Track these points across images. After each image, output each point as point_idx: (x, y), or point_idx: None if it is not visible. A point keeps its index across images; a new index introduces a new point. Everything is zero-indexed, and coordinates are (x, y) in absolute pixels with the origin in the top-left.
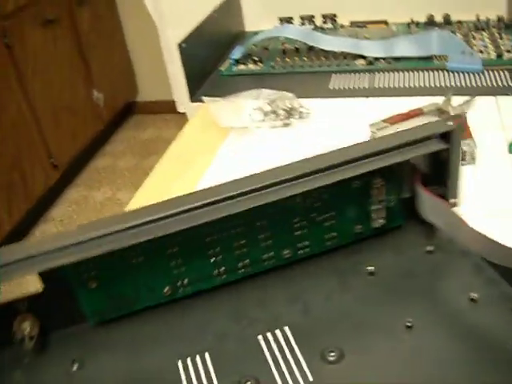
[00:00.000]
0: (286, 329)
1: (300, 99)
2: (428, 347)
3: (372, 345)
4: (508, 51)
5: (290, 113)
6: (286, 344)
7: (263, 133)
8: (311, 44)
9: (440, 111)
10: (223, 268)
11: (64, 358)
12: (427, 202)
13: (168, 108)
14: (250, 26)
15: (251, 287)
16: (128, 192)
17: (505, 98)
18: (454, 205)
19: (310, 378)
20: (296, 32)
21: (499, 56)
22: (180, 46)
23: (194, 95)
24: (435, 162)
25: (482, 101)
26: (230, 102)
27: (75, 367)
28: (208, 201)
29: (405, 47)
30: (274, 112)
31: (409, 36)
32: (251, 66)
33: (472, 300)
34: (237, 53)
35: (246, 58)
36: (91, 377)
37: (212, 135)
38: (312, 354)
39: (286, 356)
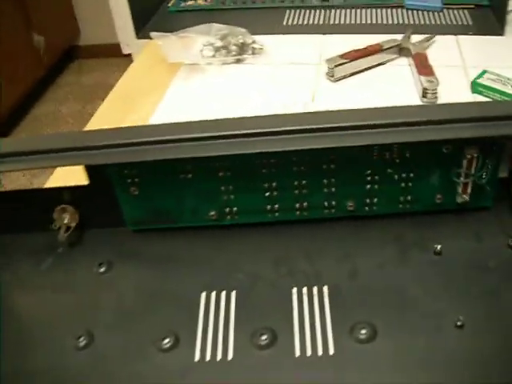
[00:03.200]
0: (325, 289)
1: (253, 35)
2: (476, 353)
3: (411, 334)
4: None
5: (242, 49)
6: (319, 306)
7: (214, 69)
8: None
9: (399, 48)
10: (277, 205)
11: (94, 257)
12: None
13: (112, 52)
14: None
15: (303, 234)
16: None
17: (465, 38)
18: None
19: (331, 352)
20: None
21: None
22: None
23: (140, 32)
24: None
25: (442, 39)
26: (179, 38)
27: (102, 269)
28: (267, 130)
29: None
30: (225, 48)
31: None
32: (200, 2)
33: None
34: None
35: None
36: (114, 282)
37: (161, 72)
38: (342, 326)
39: (314, 319)
